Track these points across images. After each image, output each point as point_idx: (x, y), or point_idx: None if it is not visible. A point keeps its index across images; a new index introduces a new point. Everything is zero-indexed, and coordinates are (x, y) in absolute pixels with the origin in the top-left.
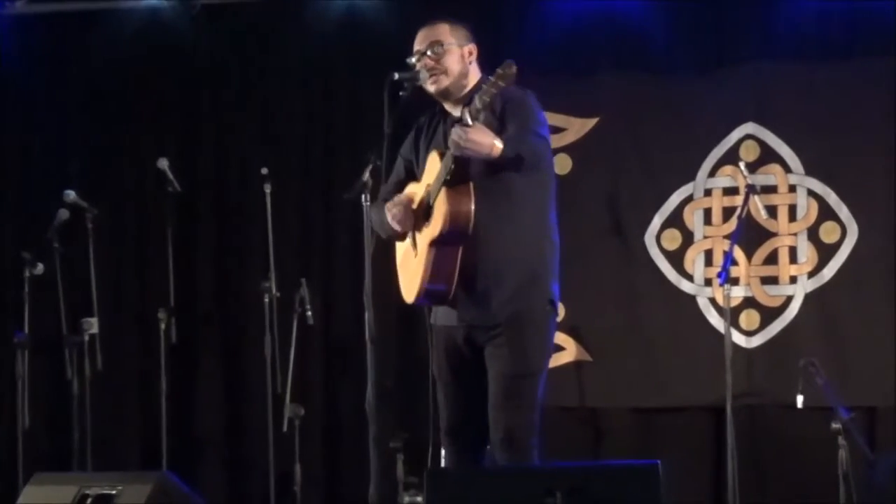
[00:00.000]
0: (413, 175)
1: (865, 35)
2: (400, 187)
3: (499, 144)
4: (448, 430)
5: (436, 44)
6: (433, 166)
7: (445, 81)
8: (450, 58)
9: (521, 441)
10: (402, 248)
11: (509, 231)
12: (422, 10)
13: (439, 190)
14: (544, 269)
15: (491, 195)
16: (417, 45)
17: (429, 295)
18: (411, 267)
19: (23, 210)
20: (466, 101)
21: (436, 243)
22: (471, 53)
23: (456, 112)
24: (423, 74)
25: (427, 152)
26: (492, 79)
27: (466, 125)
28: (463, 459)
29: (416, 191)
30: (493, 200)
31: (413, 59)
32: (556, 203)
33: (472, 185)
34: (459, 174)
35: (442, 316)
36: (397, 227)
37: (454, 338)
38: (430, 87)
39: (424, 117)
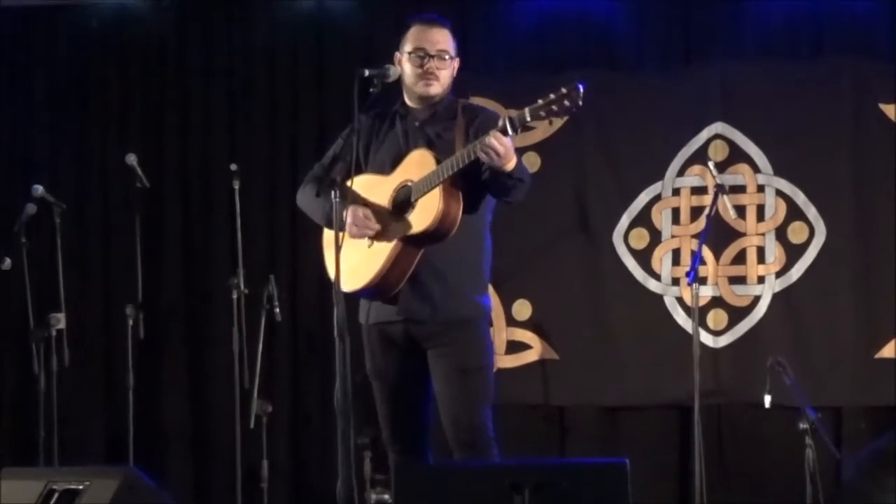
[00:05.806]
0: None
1: (833, 35)
2: (330, 169)
3: (514, 160)
4: (389, 433)
5: (444, 52)
6: (419, 163)
7: (438, 89)
8: (448, 71)
9: (481, 436)
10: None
11: (457, 234)
12: (390, 6)
13: (432, 187)
14: (483, 272)
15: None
16: (423, 44)
17: (374, 290)
18: (361, 255)
19: None
20: (438, 107)
21: (409, 240)
22: (454, 69)
23: (422, 114)
24: (426, 78)
25: (380, 147)
26: (553, 96)
27: (505, 133)
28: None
29: (372, 186)
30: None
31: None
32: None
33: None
34: (459, 176)
35: (376, 313)
36: (355, 231)
37: (390, 334)
38: (420, 90)
39: (375, 110)
